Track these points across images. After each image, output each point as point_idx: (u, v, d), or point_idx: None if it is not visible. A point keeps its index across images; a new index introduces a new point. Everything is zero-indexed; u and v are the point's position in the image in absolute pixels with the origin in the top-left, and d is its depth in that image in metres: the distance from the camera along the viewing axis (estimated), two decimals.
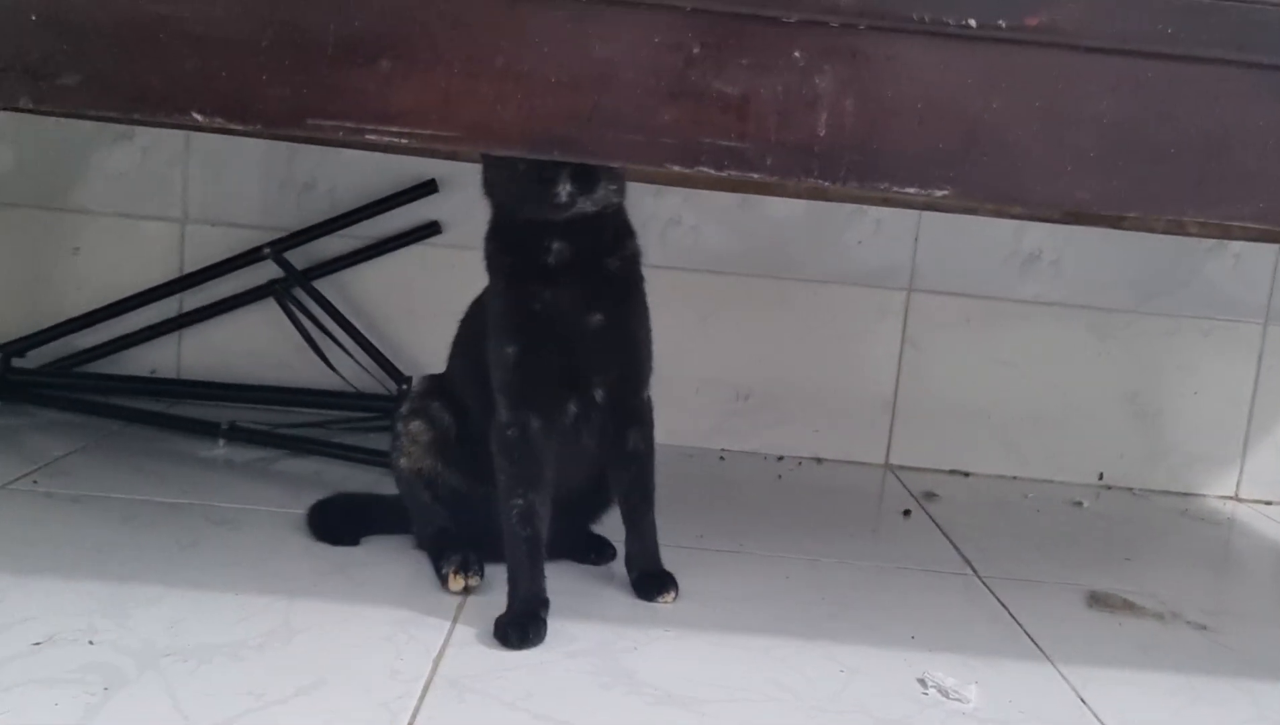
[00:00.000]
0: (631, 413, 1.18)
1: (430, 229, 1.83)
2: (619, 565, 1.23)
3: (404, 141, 0.92)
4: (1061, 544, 1.57)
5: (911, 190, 0.94)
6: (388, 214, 1.83)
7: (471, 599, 1.14)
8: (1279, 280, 1.87)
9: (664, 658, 1.06)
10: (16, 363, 1.79)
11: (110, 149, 1.84)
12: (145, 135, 1.83)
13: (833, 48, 0.91)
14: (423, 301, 1.84)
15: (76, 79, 0.92)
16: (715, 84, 0.91)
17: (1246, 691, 1.11)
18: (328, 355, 1.78)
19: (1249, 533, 1.74)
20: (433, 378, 1.28)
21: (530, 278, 1.11)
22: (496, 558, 1.13)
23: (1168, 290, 1.87)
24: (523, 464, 1.12)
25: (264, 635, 1.02)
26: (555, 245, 1.10)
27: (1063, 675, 1.10)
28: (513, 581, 1.10)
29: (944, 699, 1.02)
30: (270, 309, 1.82)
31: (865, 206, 1.82)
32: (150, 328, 1.84)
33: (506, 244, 1.14)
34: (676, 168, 0.94)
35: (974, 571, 1.38)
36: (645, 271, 1.18)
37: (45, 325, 1.81)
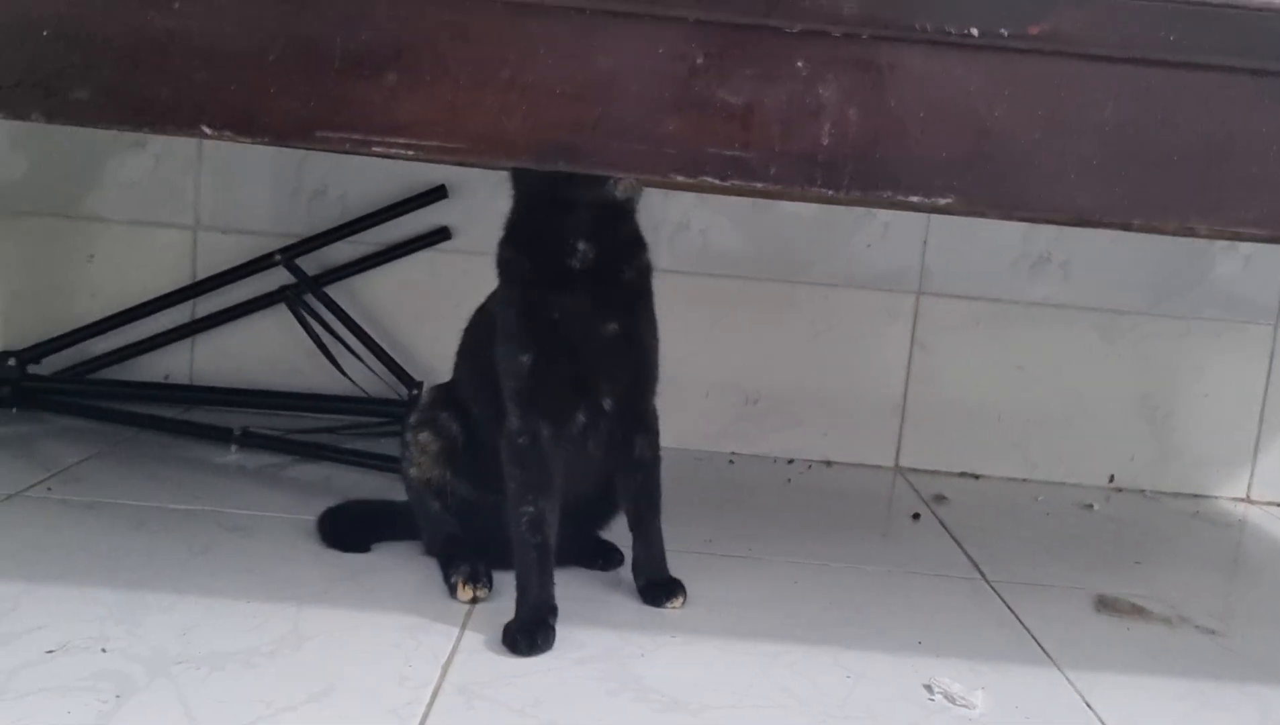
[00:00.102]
0: (639, 420, 1.19)
1: (440, 235, 1.84)
2: (626, 571, 1.24)
3: (410, 154, 0.93)
4: (1071, 547, 1.57)
5: (915, 198, 0.94)
6: (398, 220, 1.84)
7: (480, 606, 1.15)
8: None
9: (671, 664, 1.07)
10: (32, 369, 1.80)
11: (123, 157, 1.85)
12: (158, 143, 1.84)
13: (836, 57, 0.91)
14: (433, 306, 1.84)
15: (88, 93, 0.93)
16: (719, 94, 0.92)
17: (1254, 697, 1.10)
18: (339, 360, 1.80)
19: (1260, 535, 1.74)
20: (440, 387, 1.29)
21: (548, 285, 1.12)
22: (504, 565, 1.14)
23: (1178, 292, 1.87)
24: (533, 471, 1.12)
25: (275, 642, 1.03)
26: (581, 246, 1.11)
27: (1069, 681, 1.10)
28: (521, 588, 1.10)
29: (950, 705, 1.03)
30: (282, 315, 1.83)
31: (874, 210, 1.82)
32: (163, 334, 1.85)
33: (526, 247, 1.14)
34: (680, 177, 0.94)
35: (982, 575, 1.39)
36: (655, 275, 1.19)
37: (60, 332, 1.82)
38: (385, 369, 1.81)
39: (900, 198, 0.94)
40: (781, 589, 1.29)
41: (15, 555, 1.20)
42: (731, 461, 1.85)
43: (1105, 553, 1.56)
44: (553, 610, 1.10)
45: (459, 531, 1.22)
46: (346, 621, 1.09)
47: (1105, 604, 1.31)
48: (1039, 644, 1.19)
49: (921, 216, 1.83)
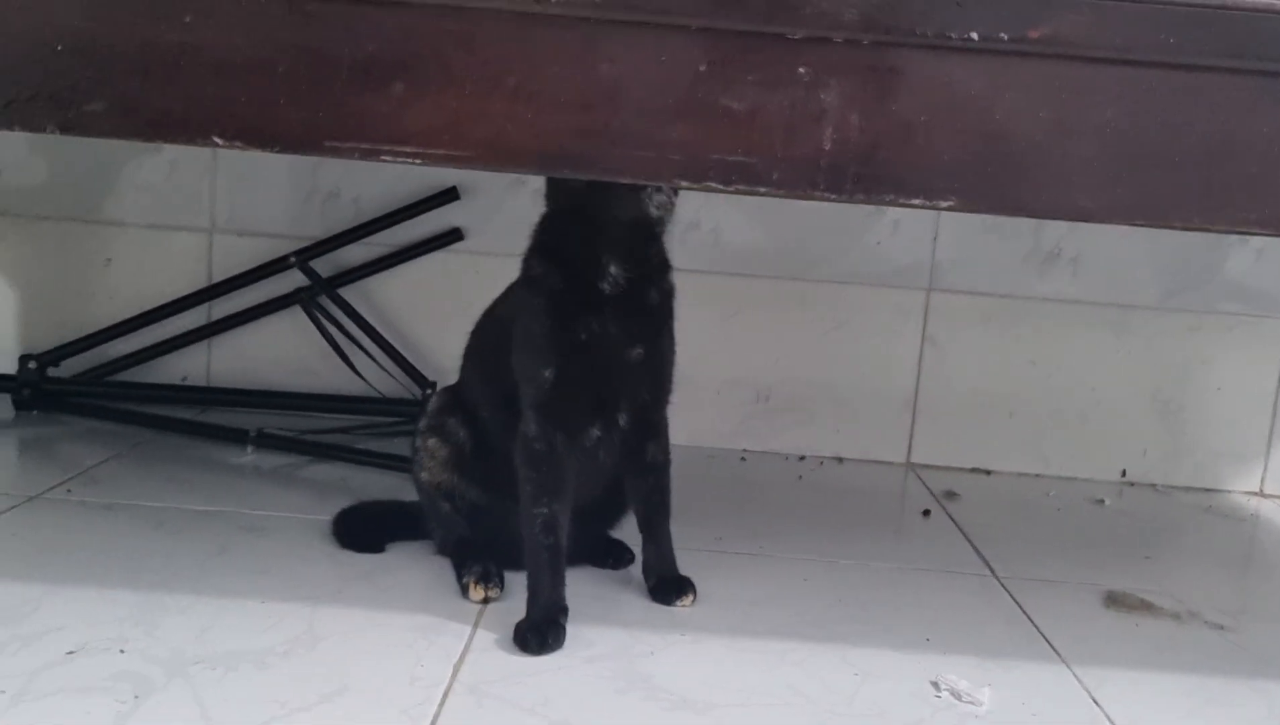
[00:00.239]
0: (651, 428, 1.21)
1: (452, 236, 1.86)
2: (637, 569, 1.25)
3: (418, 162, 0.94)
4: (1081, 543, 1.57)
5: (917, 202, 0.95)
6: (410, 222, 1.85)
7: (492, 605, 1.17)
8: None
9: (680, 662, 1.08)
10: (52, 372, 1.83)
11: (140, 161, 1.87)
12: (173, 148, 1.86)
13: (837, 63, 0.92)
14: (446, 306, 1.85)
15: (101, 105, 0.95)
16: (722, 100, 0.93)
17: (1261, 693, 1.11)
18: (353, 361, 1.81)
19: (1273, 529, 1.74)
20: (447, 391, 1.30)
21: (577, 306, 1.12)
22: (515, 565, 1.15)
23: (1189, 286, 1.87)
24: (547, 475, 1.14)
25: (289, 642, 1.05)
26: (613, 268, 1.12)
27: (1077, 677, 1.11)
28: (533, 588, 1.12)
29: (957, 702, 1.04)
30: (297, 316, 1.85)
31: (883, 207, 1.83)
32: (181, 336, 1.88)
33: (557, 264, 1.14)
34: (685, 183, 0.96)
35: (992, 572, 1.39)
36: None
37: (79, 335, 1.85)
38: (399, 369, 1.82)
39: (903, 201, 0.95)
40: (791, 586, 1.30)
41: (36, 557, 1.22)
42: (743, 458, 1.86)
43: (1116, 548, 1.57)
44: (564, 610, 1.11)
45: (470, 532, 1.24)
46: (360, 621, 1.11)
47: (1114, 600, 1.32)
48: (1047, 640, 1.20)
49: (931, 213, 1.84)
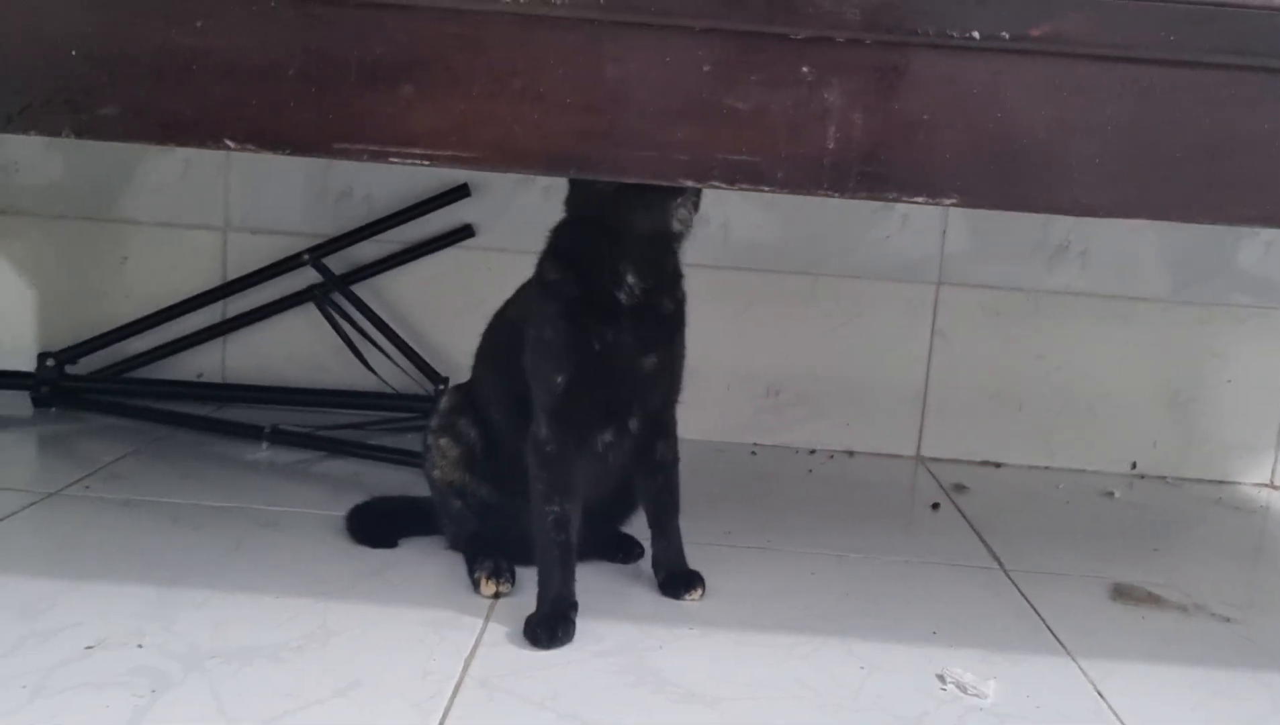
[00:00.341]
0: (661, 427, 1.22)
1: (464, 232, 1.87)
2: (646, 564, 1.27)
3: (426, 163, 0.96)
4: (1090, 535, 1.58)
5: (920, 199, 0.96)
6: (422, 218, 1.87)
7: (503, 600, 1.18)
8: None
9: (688, 656, 1.09)
10: (70, 370, 1.85)
11: (155, 161, 1.89)
12: (187, 148, 1.88)
13: (840, 63, 0.93)
14: (458, 302, 1.87)
15: (115, 110, 0.96)
16: (726, 100, 0.94)
17: (1266, 685, 1.12)
18: (367, 357, 1.83)
19: None
20: (459, 391, 1.31)
21: (593, 314, 1.13)
22: (526, 561, 1.17)
23: (1199, 278, 1.87)
24: (558, 475, 1.15)
25: (303, 637, 1.06)
26: (630, 278, 1.13)
27: (1082, 670, 1.12)
28: (544, 583, 1.13)
29: (962, 695, 1.05)
30: (311, 313, 1.86)
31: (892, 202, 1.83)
32: (196, 333, 1.90)
33: (574, 271, 1.14)
34: (690, 182, 0.97)
35: (1000, 565, 1.40)
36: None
37: (96, 333, 1.87)
38: (411, 365, 1.84)
39: (906, 198, 0.96)
40: (799, 580, 1.31)
41: (56, 553, 1.25)
42: (754, 453, 1.87)
43: (1124, 541, 1.57)
44: (573, 604, 1.13)
45: (481, 529, 1.25)
46: (373, 616, 1.12)
47: (1121, 592, 1.33)
48: (1053, 633, 1.20)
49: (940, 208, 1.84)
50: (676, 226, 1.12)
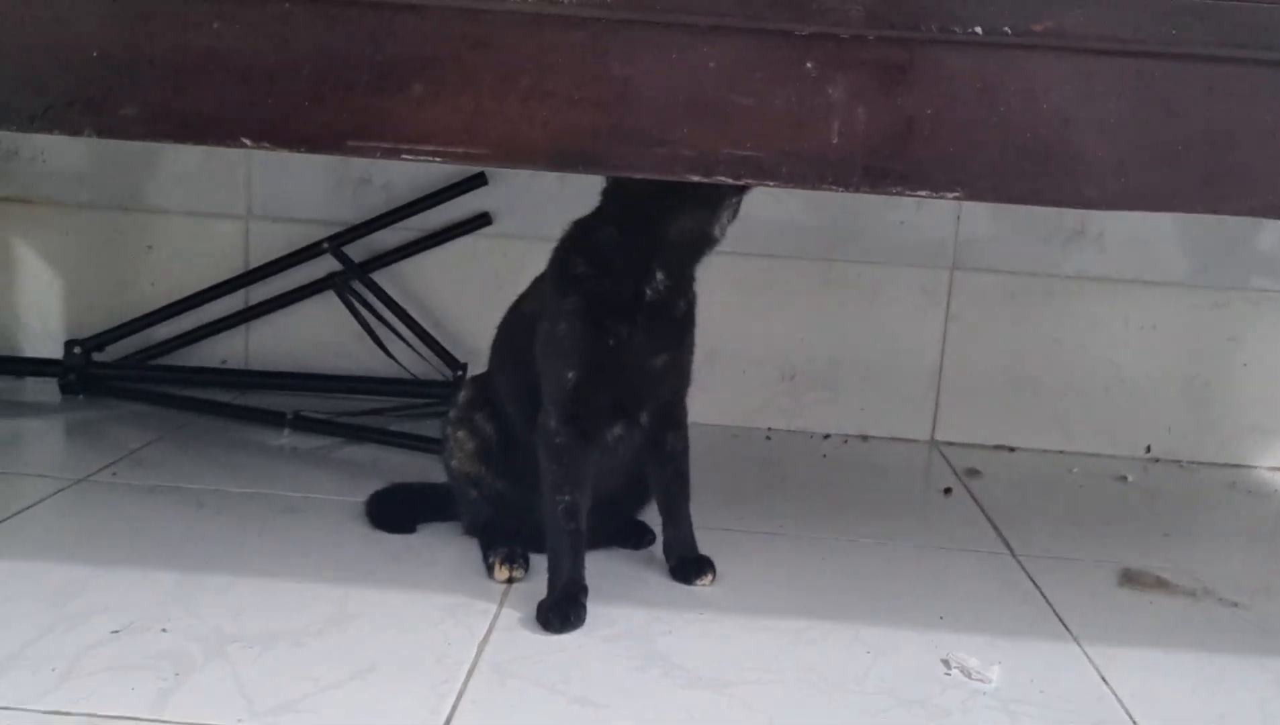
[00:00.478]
0: (671, 419, 1.24)
1: (481, 220, 1.89)
2: (658, 549, 1.29)
3: (437, 160, 0.98)
4: (1102, 520, 1.59)
5: (923, 193, 0.97)
6: (440, 207, 1.89)
7: (516, 585, 1.20)
8: None
9: (697, 641, 1.11)
10: (96, 357, 1.89)
11: (177, 151, 1.92)
12: None
13: (844, 59, 0.94)
14: (476, 289, 1.90)
15: (134, 110, 0.99)
16: (731, 97, 0.95)
17: (1269, 670, 1.13)
18: (386, 344, 1.86)
19: None
20: (475, 383, 1.33)
21: (613, 311, 1.14)
22: (539, 548, 1.19)
23: (1215, 262, 1.87)
24: (569, 467, 1.17)
25: (322, 622, 1.09)
26: (659, 276, 1.14)
27: (1087, 655, 1.13)
28: (554, 569, 1.15)
29: (966, 679, 1.06)
30: (331, 301, 1.89)
31: None
32: (219, 321, 1.93)
33: (604, 267, 1.15)
34: (696, 178, 0.98)
35: (1009, 550, 1.42)
36: None
37: (122, 321, 1.90)
38: (430, 351, 1.87)
39: (909, 192, 0.97)
40: (809, 565, 1.33)
41: (84, 539, 1.28)
42: (768, 437, 1.89)
43: (1136, 526, 1.58)
44: (584, 589, 1.15)
45: (496, 517, 1.27)
46: (390, 601, 1.15)
47: (1129, 578, 1.34)
48: (1060, 618, 1.22)
49: None
50: (717, 233, 1.14)
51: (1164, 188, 0.95)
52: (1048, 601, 1.26)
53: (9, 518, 1.31)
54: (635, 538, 1.32)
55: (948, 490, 1.66)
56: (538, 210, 1.87)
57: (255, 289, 1.93)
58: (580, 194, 1.80)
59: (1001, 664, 1.09)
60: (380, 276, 1.90)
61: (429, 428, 1.67)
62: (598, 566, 1.19)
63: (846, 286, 1.90)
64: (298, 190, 1.93)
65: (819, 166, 0.96)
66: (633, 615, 1.15)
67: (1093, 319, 1.89)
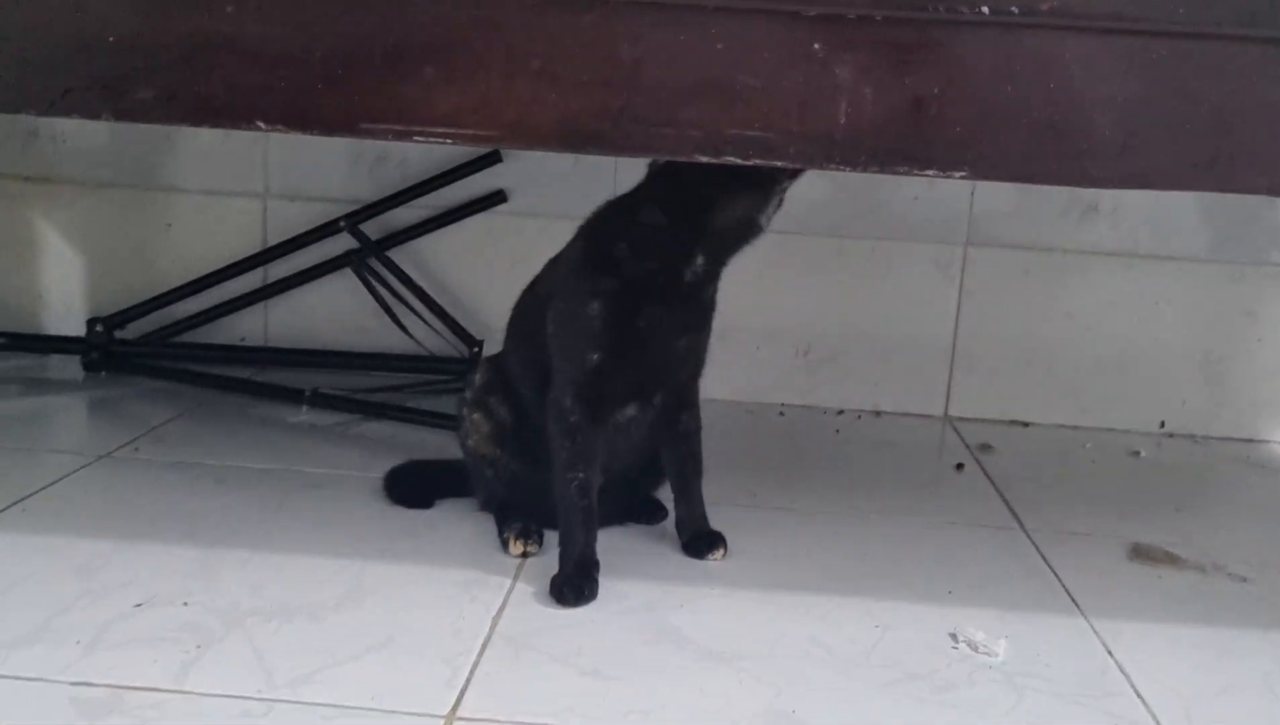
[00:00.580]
0: (685, 399, 1.26)
1: (496, 197, 1.90)
2: (670, 525, 1.30)
3: (449, 142, 0.99)
4: (1114, 495, 1.60)
5: (930, 172, 0.98)
6: (455, 184, 1.90)
7: (531, 560, 1.22)
8: None
9: (708, 615, 1.13)
10: (118, 335, 1.91)
11: (195, 130, 1.92)
12: None
13: (851, 39, 0.95)
14: (491, 266, 1.91)
15: (150, 93, 1.00)
16: (739, 77, 0.96)
17: (1274, 644, 1.14)
18: (403, 321, 1.88)
19: None
20: (490, 365, 1.32)
21: (649, 294, 1.15)
22: (554, 524, 1.20)
23: (1231, 237, 1.86)
24: (582, 445, 1.18)
25: (339, 596, 1.12)
26: (700, 261, 1.16)
27: (1094, 629, 1.14)
28: (566, 543, 1.17)
29: (973, 653, 1.08)
30: (348, 278, 1.91)
31: None
32: (238, 298, 1.95)
33: (645, 251, 1.15)
34: (704, 158, 0.99)
35: (1020, 525, 1.43)
36: None
37: (143, 298, 1.93)
38: (446, 328, 1.88)
39: (916, 172, 0.98)
40: (820, 541, 1.34)
41: (107, 514, 1.31)
42: (782, 413, 1.90)
43: (1148, 500, 1.59)
44: (596, 564, 1.17)
45: (511, 496, 1.29)
46: (406, 576, 1.17)
47: (1139, 552, 1.35)
48: (1068, 593, 1.23)
49: None
50: (764, 222, 1.15)
51: (1170, 167, 0.95)
52: (1056, 576, 1.27)
53: (35, 493, 1.34)
54: (648, 514, 1.34)
55: (960, 466, 1.67)
56: (552, 187, 1.88)
57: (273, 267, 1.95)
58: (594, 172, 1.82)
59: (1008, 638, 1.10)
60: (397, 254, 1.91)
61: (446, 404, 1.68)
62: (610, 542, 1.21)
63: (860, 262, 1.90)
64: (315, 168, 1.94)
65: (826, 147, 0.97)
66: (645, 590, 1.17)
67: (1107, 294, 1.88)
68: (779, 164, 0.98)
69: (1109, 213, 1.86)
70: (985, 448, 1.75)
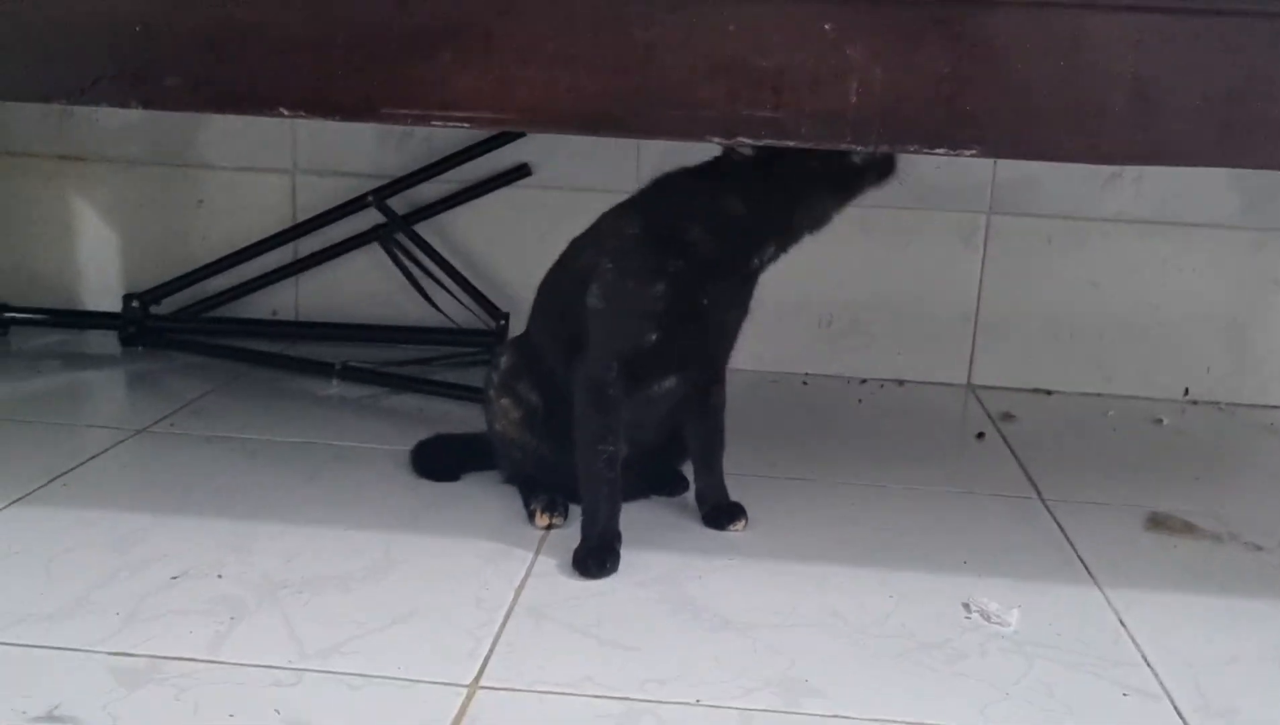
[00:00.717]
0: (717, 373, 1.28)
1: (520, 171, 1.92)
2: (690, 497, 1.33)
3: (466, 126, 1.01)
4: (1134, 464, 1.60)
5: (941, 151, 0.99)
6: (480, 159, 1.92)
7: (555, 532, 1.25)
8: None
9: (727, 585, 1.16)
10: (154, 310, 1.96)
11: None
12: None
13: (861, 19, 0.96)
14: (516, 240, 1.94)
15: (176, 81, 1.03)
16: (751, 59, 0.97)
17: None
18: (430, 295, 1.90)
19: None
20: (516, 348, 1.33)
21: (714, 277, 1.17)
22: (578, 498, 1.23)
23: (1255, 204, 1.85)
24: (614, 418, 1.19)
25: (367, 568, 1.15)
26: (771, 247, 1.18)
27: (1107, 599, 1.16)
28: (590, 516, 1.19)
29: (985, 623, 1.10)
30: (377, 252, 1.94)
31: None
32: (270, 273, 1.98)
33: (721, 236, 1.16)
34: (717, 139, 1.01)
35: (1038, 495, 1.44)
36: None
37: (176, 274, 1.97)
38: (473, 301, 1.91)
39: (927, 150, 0.99)
40: (839, 511, 1.36)
41: (144, 488, 1.35)
42: (805, 383, 1.92)
43: (1168, 469, 1.59)
44: (618, 536, 1.19)
45: (536, 472, 1.31)
46: (432, 547, 1.21)
47: (1156, 522, 1.36)
48: (1083, 563, 1.24)
49: None
50: (835, 216, 1.19)
51: (1181, 143, 0.96)
52: (1072, 546, 1.29)
53: (76, 467, 1.38)
54: (670, 486, 1.36)
55: (980, 435, 1.68)
56: (574, 161, 1.89)
57: (303, 242, 1.98)
58: (616, 145, 1.83)
59: (1021, 608, 1.12)
60: (423, 228, 1.94)
61: (473, 377, 1.71)
62: (631, 513, 1.23)
63: (883, 231, 1.91)
64: (342, 144, 1.97)
65: (838, 126, 0.98)
66: (665, 561, 1.20)
67: (1131, 261, 1.88)
68: (791, 144, 0.99)
69: (1133, 180, 1.85)
70: (1007, 416, 1.76)
